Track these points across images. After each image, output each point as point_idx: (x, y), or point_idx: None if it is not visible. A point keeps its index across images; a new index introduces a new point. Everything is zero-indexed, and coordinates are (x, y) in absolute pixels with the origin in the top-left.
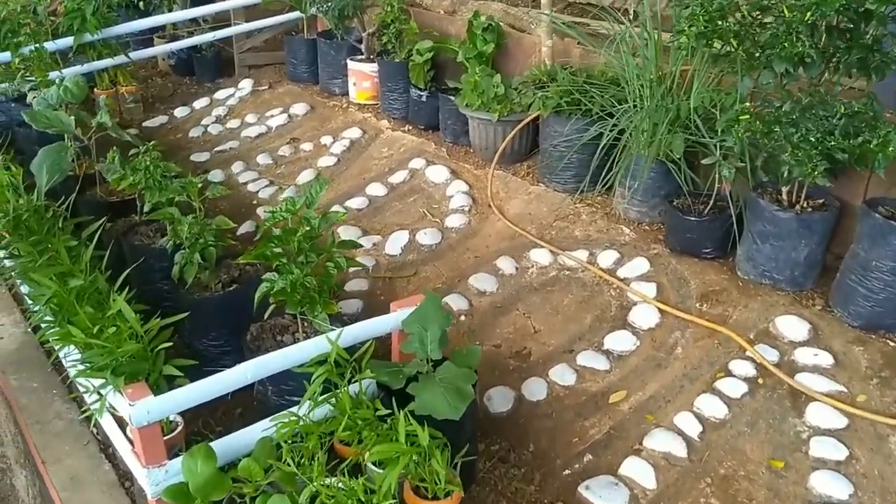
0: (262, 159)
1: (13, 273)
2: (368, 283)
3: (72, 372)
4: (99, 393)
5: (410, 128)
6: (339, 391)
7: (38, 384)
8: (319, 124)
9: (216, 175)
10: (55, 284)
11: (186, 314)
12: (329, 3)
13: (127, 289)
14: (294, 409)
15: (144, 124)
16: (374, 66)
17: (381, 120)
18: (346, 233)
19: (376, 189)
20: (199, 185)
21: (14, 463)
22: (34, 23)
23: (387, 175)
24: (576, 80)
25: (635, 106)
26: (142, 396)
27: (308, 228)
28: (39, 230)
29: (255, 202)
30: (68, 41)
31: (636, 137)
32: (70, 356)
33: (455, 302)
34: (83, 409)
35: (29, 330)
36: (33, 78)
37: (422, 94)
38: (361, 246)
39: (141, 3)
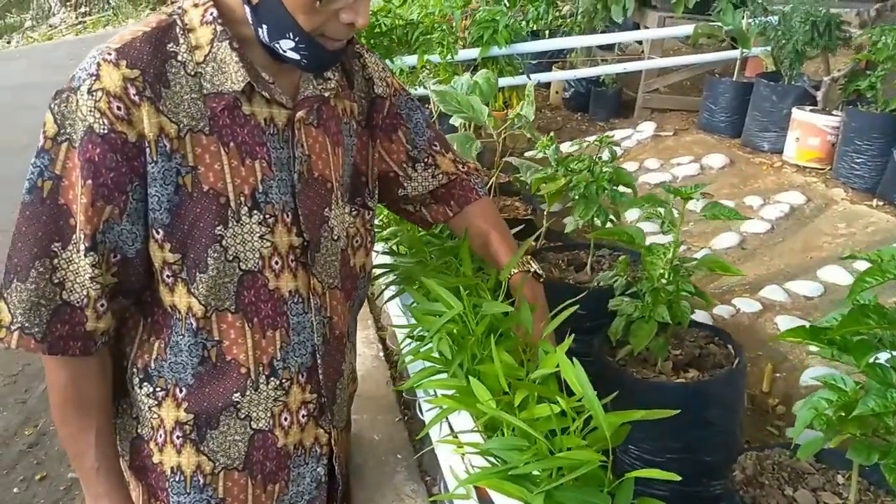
0: None
1: (394, 274)
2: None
3: (444, 457)
4: None
5: (881, 203)
6: None
7: (379, 436)
8: (741, 182)
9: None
10: (459, 304)
11: (672, 413)
12: (789, 37)
13: (570, 336)
14: None
15: (526, 154)
16: (831, 120)
17: (831, 187)
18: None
19: (834, 274)
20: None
21: None
22: (447, 29)
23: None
24: None
25: None
26: None
27: None
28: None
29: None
30: (474, 53)
31: None
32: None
33: None
34: None
35: (381, 355)
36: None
37: None
38: None
39: (547, 32)
